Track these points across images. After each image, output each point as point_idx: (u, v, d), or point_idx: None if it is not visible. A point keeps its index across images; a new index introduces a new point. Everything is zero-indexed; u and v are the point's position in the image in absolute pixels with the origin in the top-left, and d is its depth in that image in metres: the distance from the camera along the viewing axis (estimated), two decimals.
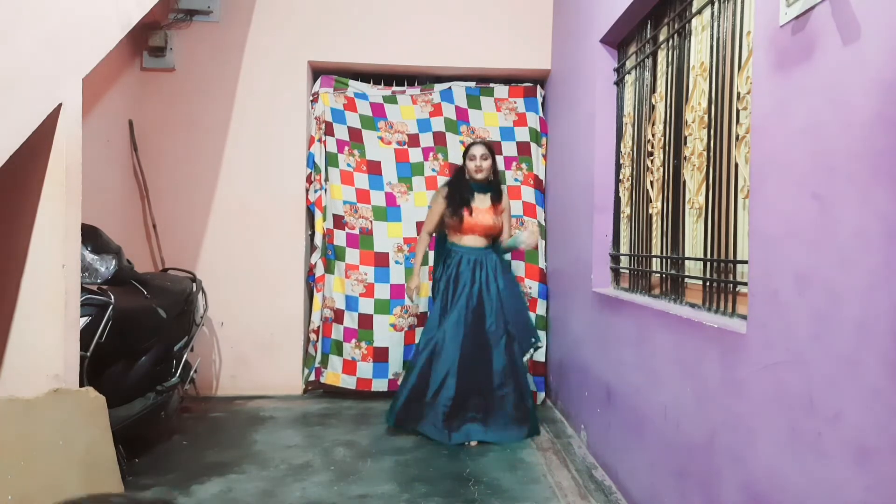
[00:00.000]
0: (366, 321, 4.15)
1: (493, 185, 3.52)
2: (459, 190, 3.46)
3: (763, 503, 1.54)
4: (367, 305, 4.17)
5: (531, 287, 4.22)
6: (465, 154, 3.55)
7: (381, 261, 4.20)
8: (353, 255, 4.19)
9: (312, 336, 4.22)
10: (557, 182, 4.04)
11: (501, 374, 3.29)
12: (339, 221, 4.20)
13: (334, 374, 4.15)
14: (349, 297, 4.17)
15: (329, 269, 4.22)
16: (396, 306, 4.14)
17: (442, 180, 4.11)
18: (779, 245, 1.50)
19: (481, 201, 3.47)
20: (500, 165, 4.25)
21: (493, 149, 3.56)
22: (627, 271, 2.93)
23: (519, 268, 4.25)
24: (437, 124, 4.25)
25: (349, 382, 4.11)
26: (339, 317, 4.18)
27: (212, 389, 4.12)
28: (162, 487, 2.62)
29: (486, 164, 3.44)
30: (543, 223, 4.27)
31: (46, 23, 2.06)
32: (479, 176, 3.44)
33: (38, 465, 2.05)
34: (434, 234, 3.64)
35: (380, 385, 4.09)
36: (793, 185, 1.45)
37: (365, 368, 4.11)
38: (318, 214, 4.23)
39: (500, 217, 3.51)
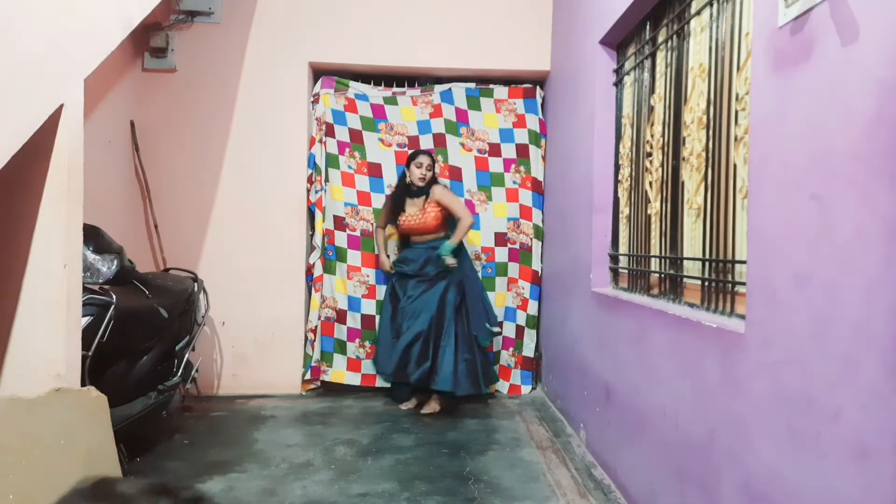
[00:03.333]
0: (368, 321, 4.24)
1: (426, 188, 3.88)
2: (397, 200, 3.93)
3: (762, 502, 1.55)
4: (368, 306, 4.23)
5: (524, 288, 4.30)
6: (410, 159, 3.91)
7: (378, 249, 4.21)
8: (354, 257, 4.24)
9: (310, 335, 4.24)
10: (557, 183, 4.05)
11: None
12: (339, 223, 4.23)
13: (339, 372, 4.23)
14: (351, 298, 4.24)
15: (328, 269, 4.25)
16: None
17: (442, 182, 4.15)
18: (777, 245, 1.51)
19: (413, 205, 3.89)
20: (499, 168, 4.28)
21: (435, 158, 4.01)
22: (626, 271, 2.94)
23: (513, 269, 4.30)
24: (437, 126, 4.27)
25: (354, 379, 4.22)
26: (341, 317, 4.24)
27: (213, 388, 4.13)
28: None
29: (429, 173, 3.87)
30: (541, 225, 4.31)
31: (48, 24, 2.06)
32: (421, 184, 3.85)
33: (40, 465, 2.05)
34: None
35: (383, 381, 4.17)
36: (791, 185, 1.46)
37: (369, 366, 4.22)
38: (318, 215, 4.25)
39: (430, 211, 3.86)
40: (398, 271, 3.96)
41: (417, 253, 3.90)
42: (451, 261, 3.78)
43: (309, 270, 4.30)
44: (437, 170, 4.02)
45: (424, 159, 3.86)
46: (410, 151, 4.04)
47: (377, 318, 4.23)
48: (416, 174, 3.83)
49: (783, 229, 1.49)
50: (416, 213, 3.87)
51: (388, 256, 4.09)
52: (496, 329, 3.98)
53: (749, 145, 1.69)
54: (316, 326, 4.23)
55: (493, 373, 4.13)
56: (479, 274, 4.29)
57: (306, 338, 4.27)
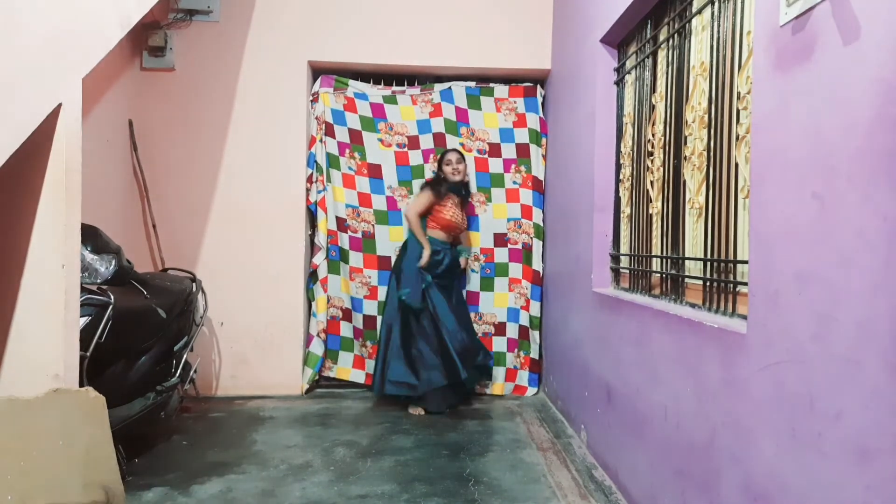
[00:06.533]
0: (370, 322, 4.27)
1: (465, 186, 3.99)
2: (442, 191, 3.90)
3: (763, 503, 1.54)
4: (370, 307, 4.26)
5: (526, 288, 4.29)
6: (440, 160, 3.97)
7: (384, 264, 4.25)
8: (356, 258, 4.26)
9: (322, 335, 4.25)
10: (557, 182, 4.04)
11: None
12: (341, 224, 4.25)
13: (345, 369, 4.29)
14: (354, 299, 4.28)
15: (332, 269, 4.26)
16: None
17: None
18: (779, 245, 1.50)
19: (455, 204, 3.94)
20: (499, 168, 4.28)
21: (464, 156, 4.02)
22: (627, 271, 2.93)
23: (514, 269, 4.29)
24: (437, 125, 4.26)
25: (358, 377, 4.28)
26: (347, 315, 4.31)
27: (211, 389, 4.12)
28: (162, 487, 2.62)
29: (461, 167, 3.92)
30: (541, 224, 4.30)
31: (46, 23, 2.05)
32: (456, 178, 3.90)
33: (38, 465, 2.04)
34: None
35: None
36: (793, 184, 1.45)
37: (371, 365, 4.24)
38: (320, 215, 4.25)
39: (463, 213, 4.00)
40: (434, 272, 3.83)
41: (445, 252, 3.91)
42: (465, 262, 4.02)
43: (314, 271, 4.29)
44: (426, 173, 4.11)
45: (452, 155, 3.93)
46: (439, 153, 4.12)
47: (378, 318, 4.23)
48: (448, 171, 3.89)
49: (785, 229, 1.48)
50: (455, 210, 3.92)
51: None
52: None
53: (751, 144, 1.68)
54: (326, 327, 4.27)
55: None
56: (478, 275, 4.30)
57: (314, 337, 4.26)
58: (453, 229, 3.92)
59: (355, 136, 4.26)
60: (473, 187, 4.26)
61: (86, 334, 2.41)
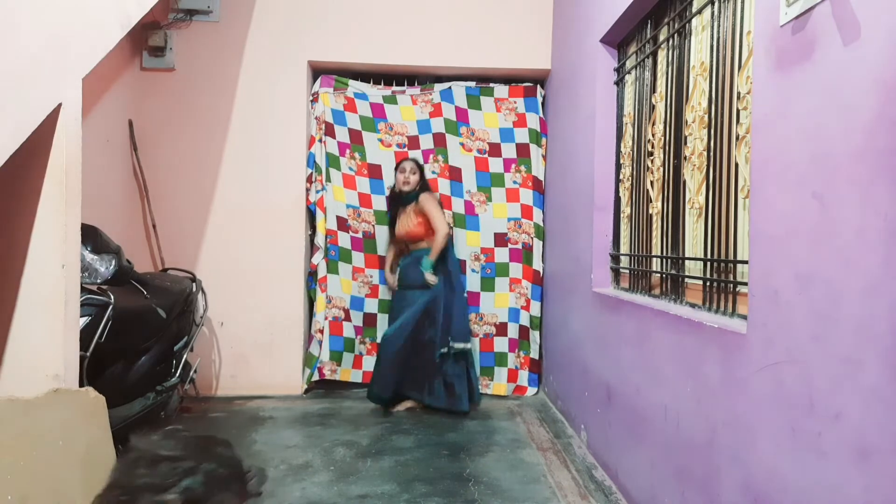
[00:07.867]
0: (370, 320, 4.29)
1: (415, 195, 3.86)
2: (391, 209, 4.00)
3: (763, 503, 1.54)
4: (371, 305, 4.29)
5: (526, 288, 4.29)
6: (396, 168, 3.97)
7: (385, 264, 4.25)
8: (358, 258, 4.27)
9: (318, 335, 4.23)
10: (557, 182, 4.04)
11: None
12: (342, 224, 4.25)
13: (347, 371, 4.28)
14: (354, 298, 4.29)
15: (331, 269, 4.26)
16: None
17: (442, 182, 4.20)
18: (779, 245, 1.50)
19: (404, 213, 3.89)
20: (499, 168, 4.28)
21: (421, 165, 4.00)
22: (627, 271, 2.93)
23: (515, 269, 4.29)
24: (437, 125, 4.26)
25: (357, 376, 4.28)
26: (348, 316, 4.30)
27: (211, 389, 4.12)
28: None
29: (414, 177, 3.87)
30: (542, 224, 4.30)
31: (46, 23, 2.05)
32: (406, 188, 3.85)
33: (38, 465, 2.04)
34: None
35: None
36: (793, 184, 1.45)
37: (369, 362, 4.24)
38: (319, 215, 4.24)
39: (414, 219, 3.84)
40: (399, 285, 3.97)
41: (407, 261, 3.92)
42: (431, 278, 3.76)
43: (313, 271, 4.29)
44: (426, 173, 4.04)
45: (407, 164, 3.91)
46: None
47: (378, 316, 4.27)
48: (400, 180, 3.88)
49: (785, 229, 1.48)
50: (404, 221, 3.89)
51: (392, 273, 4.10)
52: (457, 346, 3.73)
53: (751, 144, 1.68)
54: (323, 327, 4.25)
55: (470, 390, 3.81)
56: (479, 275, 4.30)
57: (312, 338, 4.26)
58: (402, 239, 3.94)
59: (355, 137, 4.26)
60: (466, 190, 4.26)
61: (86, 334, 2.41)
